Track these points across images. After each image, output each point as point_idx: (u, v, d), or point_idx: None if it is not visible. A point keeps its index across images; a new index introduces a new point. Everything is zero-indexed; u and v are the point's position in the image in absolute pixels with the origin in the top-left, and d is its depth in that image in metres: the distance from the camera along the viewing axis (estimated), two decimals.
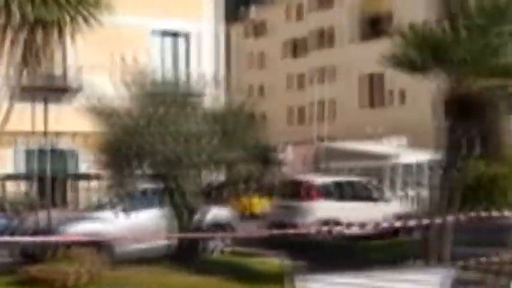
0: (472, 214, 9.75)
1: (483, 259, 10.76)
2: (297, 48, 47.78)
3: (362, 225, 11.59)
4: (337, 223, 16.59)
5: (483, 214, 10.12)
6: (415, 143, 28.82)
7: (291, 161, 30.77)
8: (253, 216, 24.09)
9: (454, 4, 10.54)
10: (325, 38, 45.06)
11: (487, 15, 10.16)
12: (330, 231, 16.36)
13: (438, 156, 12.23)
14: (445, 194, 11.52)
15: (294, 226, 16.46)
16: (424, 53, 10.65)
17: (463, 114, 10.92)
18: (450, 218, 10.76)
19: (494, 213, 10.35)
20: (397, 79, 29.39)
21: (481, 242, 11.94)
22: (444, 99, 11.19)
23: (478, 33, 10.09)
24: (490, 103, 10.98)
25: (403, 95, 37.09)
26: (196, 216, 13.27)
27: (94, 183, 17.23)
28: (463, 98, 10.82)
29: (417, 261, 11.81)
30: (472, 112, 10.97)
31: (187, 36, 23.99)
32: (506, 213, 10.77)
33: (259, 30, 52.40)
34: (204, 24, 24.04)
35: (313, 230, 15.35)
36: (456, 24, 10.27)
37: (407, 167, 26.50)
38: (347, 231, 16.41)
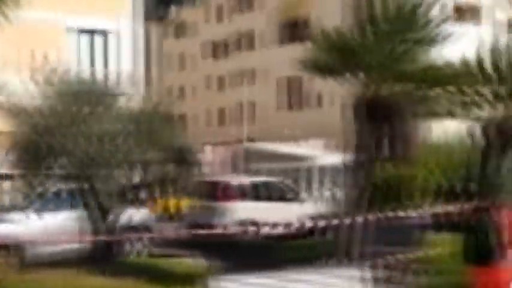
0: (380, 214, 10.11)
1: (390, 257, 11.19)
2: (217, 49, 47.87)
3: (274, 225, 11.83)
4: (254, 223, 16.83)
5: (390, 214, 10.53)
6: (332, 145, 29.55)
7: (210, 162, 30.89)
8: (172, 218, 23.97)
9: (363, 12, 10.94)
10: (245, 40, 45.40)
11: (393, 23, 10.61)
12: (247, 232, 16.57)
13: (350, 157, 12.62)
14: (354, 194, 11.90)
15: (211, 227, 16.54)
16: (333, 57, 11.01)
17: (371, 117, 11.33)
18: (359, 218, 11.12)
19: (401, 214, 10.80)
20: (314, 82, 30.04)
21: (390, 241, 12.37)
22: (353, 103, 11.59)
23: (384, 40, 10.52)
24: (397, 107, 11.43)
25: (320, 98, 37.90)
26: (110, 218, 13.11)
27: (7, 184, 16.69)
28: (370, 102, 11.24)
29: (329, 260, 12.10)
30: (380, 115, 11.41)
31: (105, 34, 23.57)
32: (412, 213, 11.24)
33: (179, 30, 52.14)
34: (123, 23, 23.67)
35: (230, 230, 15.49)
36: (364, 31, 10.68)
37: (323, 168, 27.17)
38: (262, 232, 16.69)
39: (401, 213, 10.88)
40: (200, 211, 18.16)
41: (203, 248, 14.24)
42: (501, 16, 36.19)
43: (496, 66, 12.07)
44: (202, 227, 16.19)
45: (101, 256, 12.69)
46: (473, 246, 7.07)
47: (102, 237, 10.59)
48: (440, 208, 11.30)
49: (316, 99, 38.35)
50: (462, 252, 7.28)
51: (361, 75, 11.22)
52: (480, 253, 7.03)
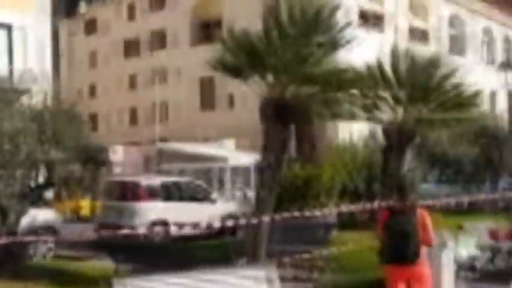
0: (287, 214, 10.27)
1: (297, 256, 11.42)
2: (129, 48, 47.12)
3: (181, 225, 11.79)
4: (165, 224, 16.70)
5: (297, 214, 10.74)
6: (244, 146, 29.80)
7: (121, 162, 30.38)
8: (81, 219, 23.41)
9: (271, 14, 11.11)
10: (157, 39, 44.95)
11: (298, 26, 10.84)
12: (156, 232, 16.43)
13: (265, 158, 12.75)
14: (263, 194, 12.05)
15: (120, 228, 16.28)
16: (241, 59, 11.12)
17: (277, 118, 11.52)
18: (265, 218, 11.27)
19: (307, 213, 11.04)
20: (227, 83, 30.16)
21: (297, 240, 12.61)
22: (260, 104, 11.74)
23: (289, 43, 10.73)
24: (303, 109, 11.67)
25: (232, 99, 38.10)
26: (11, 220, 12.64)
27: None
28: (277, 103, 11.43)
29: (238, 260, 12.18)
30: (287, 117, 11.61)
31: (9, 29, 22.66)
32: (317, 212, 11.51)
33: (90, 27, 50.92)
34: (28, 17, 22.82)
35: (140, 231, 15.31)
36: (270, 33, 10.86)
37: (236, 168, 27.38)
38: (171, 232, 16.60)
39: (307, 213, 11.11)
40: (109, 212, 17.80)
41: (111, 249, 14.01)
42: (403, 24, 37.75)
43: (395, 71, 12.61)
44: (111, 228, 15.91)
45: (2, 259, 12.23)
46: (391, 244, 7.32)
47: (2, 240, 10.17)
48: (345, 207, 11.63)
49: (229, 99, 38.52)
50: (379, 250, 7.53)
51: (268, 76, 11.38)
52: (397, 251, 7.30)
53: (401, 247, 7.20)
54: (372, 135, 20.24)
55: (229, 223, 12.91)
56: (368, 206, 11.34)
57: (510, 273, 12.70)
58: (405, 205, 7.33)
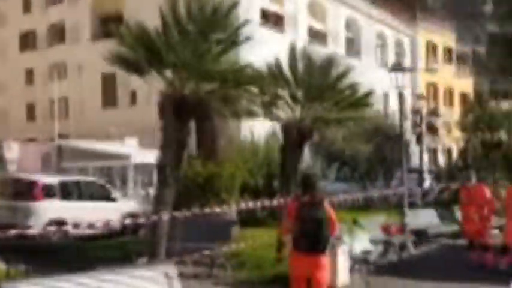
0: (187, 211, 10.28)
1: (198, 254, 11.44)
2: (26, 42, 45.27)
3: (76, 225, 11.51)
4: (63, 223, 16.22)
5: (197, 211, 10.78)
6: (147, 143, 29.40)
7: (17, 159, 29.18)
8: None
9: (169, 9, 11.04)
10: (56, 33, 43.46)
11: (196, 23, 10.84)
12: (52, 232, 15.94)
13: (164, 156, 12.64)
14: (162, 192, 11.98)
15: (14, 227, 15.64)
16: (139, 54, 10.98)
17: (177, 115, 11.47)
18: (165, 216, 11.22)
19: (207, 210, 11.10)
20: (129, 79, 29.68)
21: (198, 238, 12.64)
22: (159, 101, 11.66)
23: (187, 39, 10.71)
24: (203, 106, 11.69)
25: (135, 96, 37.53)
26: None
27: None
28: (176, 100, 11.38)
29: (139, 259, 12.06)
30: (186, 114, 11.59)
31: None
32: (218, 210, 11.60)
33: None
34: None
35: (35, 231, 14.78)
36: (168, 29, 10.80)
37: (139, 166, 27.00)
38: (71, 232, 16.16)
39: (208, 210, 11.17)
40: (2, 211, 17.06)
41: (3, 250, 13.44)
42: (302, 25, 38.71)
43: (293, 70, 12.91)
44: (3, 228, 15.23)
45: None
46: (303, 233, 7.55)
47: None
48: (244, 204, 11.76)
49: (131, 96, 37.91)
50: (294, 242, 7.72)
51: (167, 73, 11.31)
52: (309, 239, 7.54)
53: (313, 235, 7.47)
54: (273, 133, 20.61)
55: (128, 222, 12.71)
56: (267, 203, 11.57)
57: (402, 266, 13.35)
58: (313, 197, 7.60)
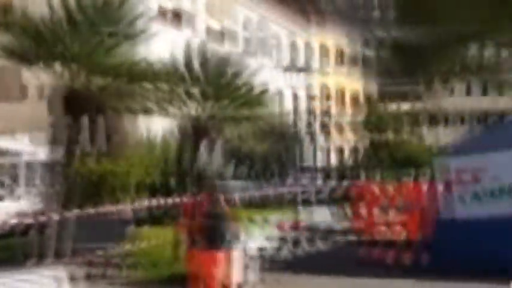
0: (79, 210, 9.95)
1: (91, 254, 11.09)
2: None
3: None
4: None
5: (90, 210, 10.43)
6: (40, 140, 28.23)
7: None
8: None
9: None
10: None
11: (86, 14, 10.49)
12: None
13: (55, 153, 12.18)
14: (50, 190, 11.53)
15: None
16: (26, 46, 10.50)
17: (67, 110, 11.07)
18: (54, 216, 10.79)
19: (101, 209, 10.78)
20: (20, 72, 28.41)
21: (91, 238, 12.27)
22: (48, 95, 11.22)
23: (78, 31, 10.34)
24: (95, 101, 11.34)
25: (25, 89, 35.96)
26: None
27: None
28: (67, 94, 10.97)
29: (28, 260, 11.57)
30: (77, 109, 11.19)
31: None
32: (112, 208, 11.31)
33: None
34: None
35: None
36: (57, 20, 10.37)
37: (31, 164, 25.91)
38: None
39: (101, 209, 10.86)
40: None
41: None
42: (200, 23, 38.77)
43: (189, 68, 12.82)
44: None
45: None
46: (209, 230, 7.49)
47: None
48: (141, 203, 11.54)
49: (21, 90, 36.29)
50: (190, 239, 7.62)
51: (56, 65, 10.87)
52: (207, 240, 7.49)
53: (210, 233, 7.46)
54: (171, 130, 20.42)
55: (14, 222, 12.11)
56: (164, 201, 11.41)
57: (296, 262, 13.58)
58: (210, 195, 7.61)
